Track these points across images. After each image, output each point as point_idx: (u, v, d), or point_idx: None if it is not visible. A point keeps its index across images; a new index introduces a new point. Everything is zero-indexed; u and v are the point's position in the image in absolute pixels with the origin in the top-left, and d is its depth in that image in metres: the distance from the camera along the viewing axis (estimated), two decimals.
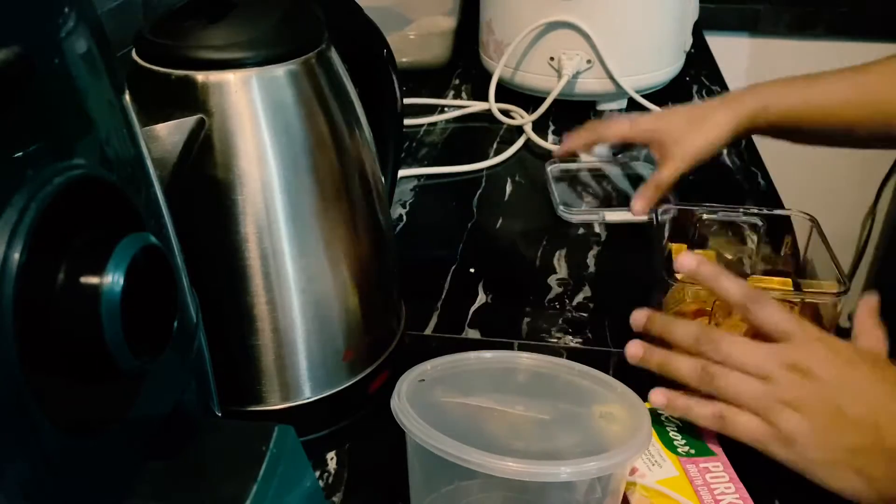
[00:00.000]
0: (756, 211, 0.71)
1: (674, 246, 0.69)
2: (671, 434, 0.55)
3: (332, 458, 0.56)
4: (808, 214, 0.68)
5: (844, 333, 0.57)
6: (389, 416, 0.45)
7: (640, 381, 0.63)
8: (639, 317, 0.59)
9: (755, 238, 0.71)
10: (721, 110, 0.77)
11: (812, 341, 0.52)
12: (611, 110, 1.09)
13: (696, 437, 0.55)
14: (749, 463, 0.53)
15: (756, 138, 1.03)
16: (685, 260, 0.58)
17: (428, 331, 0.69)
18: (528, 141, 1.01)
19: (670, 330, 0.56)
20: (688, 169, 0.77)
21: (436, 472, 0.47)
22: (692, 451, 0.54)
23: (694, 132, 0.76)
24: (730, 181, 0.94)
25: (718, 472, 0.52)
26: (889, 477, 0.48)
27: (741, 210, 0.72)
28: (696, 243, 0.71)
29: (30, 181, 0.27)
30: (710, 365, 0.53)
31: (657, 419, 0.56)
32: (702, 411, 0.54)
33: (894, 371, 0.52)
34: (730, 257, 0.71)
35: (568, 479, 0.42)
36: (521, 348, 0.67)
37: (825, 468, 0.50)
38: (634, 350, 0.58)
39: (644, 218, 0.77)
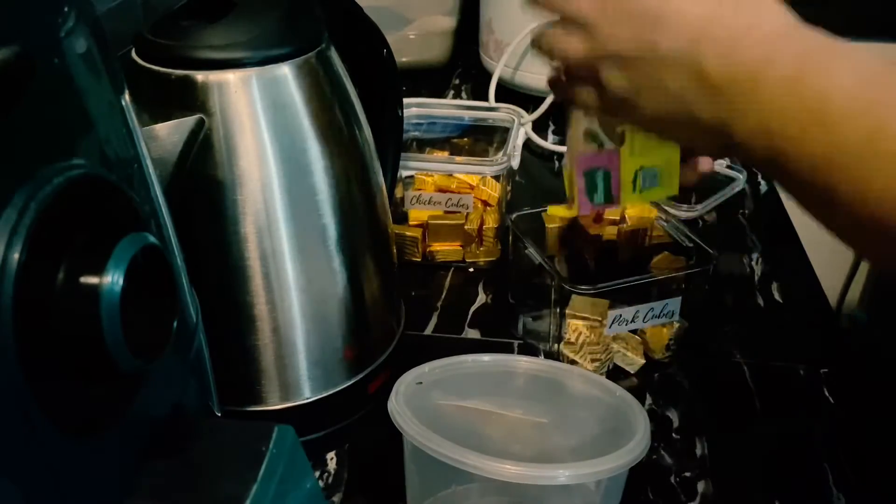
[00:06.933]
0: None
1: None
2: None
3: (332, 458, 0.56)
4: None
5: None
6: (389, 416, 0.45)
7: (639, 384, 0.63)
8: None
9: None
10: None
11: None
12: None
13: None
14: (749, 463, 0.53)
15: None
16: None
17: (428, 331, 0.69)
18: (528, 141, 1.01)
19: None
20: None
21: (433, 475, 0.47)
22: None
23: None
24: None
25: None
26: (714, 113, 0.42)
27: None
28: None
29: (30, 181, 0.26)
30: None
31: None
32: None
33: None
34: None
35: (566, 483, 0.42)
36: (521, 349, 0.67)
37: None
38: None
39: None
